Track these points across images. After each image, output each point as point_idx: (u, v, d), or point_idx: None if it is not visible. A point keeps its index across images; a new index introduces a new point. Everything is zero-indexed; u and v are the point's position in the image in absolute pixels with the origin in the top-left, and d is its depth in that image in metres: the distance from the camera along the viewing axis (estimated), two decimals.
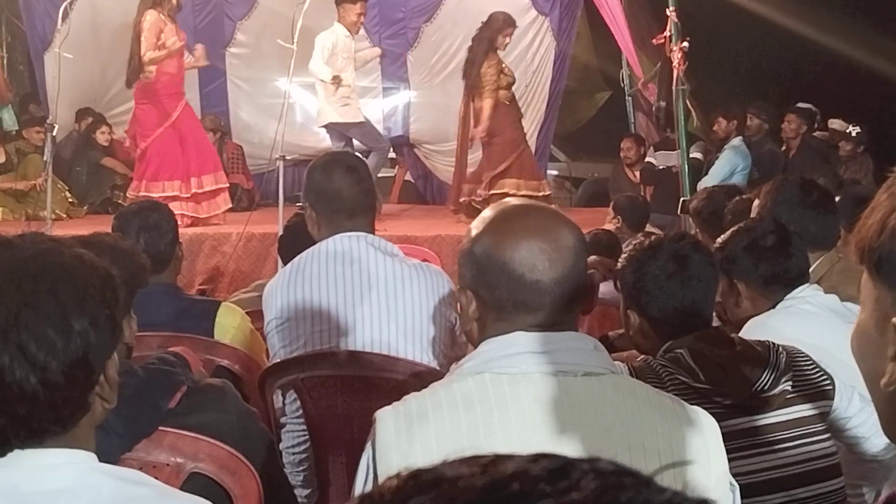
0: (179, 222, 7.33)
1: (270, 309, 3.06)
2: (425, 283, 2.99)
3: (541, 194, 7.92)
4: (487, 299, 1.66)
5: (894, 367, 1.00)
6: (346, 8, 8.23)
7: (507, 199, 1.89)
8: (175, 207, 7.30)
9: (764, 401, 2.31)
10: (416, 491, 0.60)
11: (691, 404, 1.75)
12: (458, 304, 1.73)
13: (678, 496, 0.59)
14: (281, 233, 4.45)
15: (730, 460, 1.74)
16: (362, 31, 10.24)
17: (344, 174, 3.04)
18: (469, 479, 0.59)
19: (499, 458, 0.61)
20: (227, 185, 8.32)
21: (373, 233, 3.08)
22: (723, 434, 1.73)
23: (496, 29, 8.10)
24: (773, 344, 2.38)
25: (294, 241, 4.19)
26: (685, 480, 1.61)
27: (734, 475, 1.75)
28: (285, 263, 4.24)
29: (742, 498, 1.77)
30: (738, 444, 2.22)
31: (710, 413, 1.74)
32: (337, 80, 8.07)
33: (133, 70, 7.81)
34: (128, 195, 8.14)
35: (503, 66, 8.16)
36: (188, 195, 7.83)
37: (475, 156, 8.61)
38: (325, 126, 8.50)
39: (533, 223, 1.65)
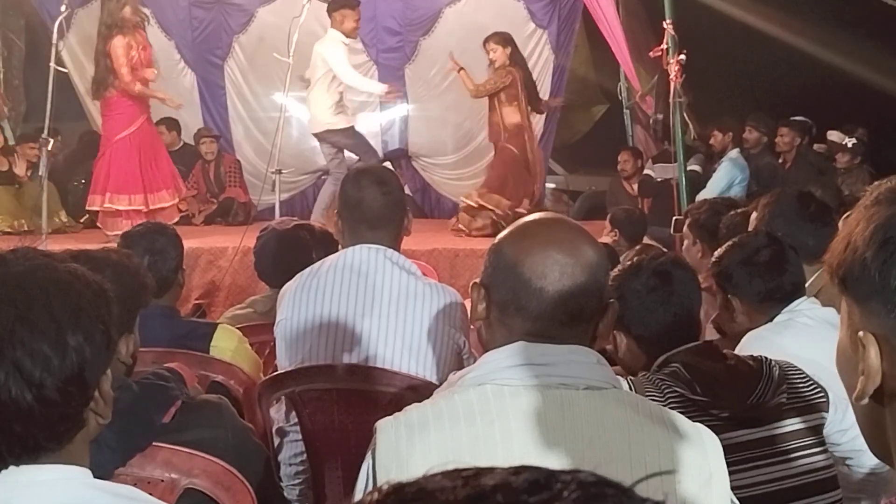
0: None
1: (281, 309, 3.07)
2: (437, 302, 2.97)
3: None
4: (494, 298, 1.67)
5: (863, 382, 1.03)
6: (344, 14, 7.89)
7: (543, 213, 1.91)
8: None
9: (760, 413, 2.32)
10: None
11: (689, 417, 1.75)
12: (471, 299, 1.74)
13: None
14: (255, 254, 4.40)
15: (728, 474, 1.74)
16: (360, 45, 10.29)
17: (371, 185, 3.02)
18: (451, 492, 0.59)
19: (481, 471, 0.61)
20: (179, 200, 8.23)
21: (396, 247, 3.04)
22: None
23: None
24: (766, 358, 2.39)
25: (271, 260, 4.20)
26: (668, 491, 1.60)
27: (731, 489, 1.75)
28: (268, 283, 4.25)
29: None
30: (736, 457, 2.21)
31: (708, 426, 1.74)
32: (393, 91, 8.12)
33: (98, 87, 7.82)
34: (88, 207, 8.11)
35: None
36: (147, 210, 7.80)
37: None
38: (319, 134, 8.25)
39: (556, 235, 1.66)
